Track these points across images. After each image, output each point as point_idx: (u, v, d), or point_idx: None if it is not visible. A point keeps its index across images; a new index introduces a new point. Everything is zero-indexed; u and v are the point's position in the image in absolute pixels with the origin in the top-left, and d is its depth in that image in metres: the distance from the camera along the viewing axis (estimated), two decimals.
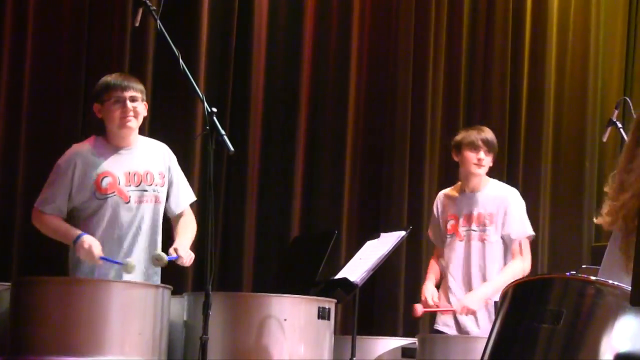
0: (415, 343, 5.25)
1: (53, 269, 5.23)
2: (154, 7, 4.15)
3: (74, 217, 4.51)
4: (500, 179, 5.76)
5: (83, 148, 4.55)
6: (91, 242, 4.35)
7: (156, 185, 4.57)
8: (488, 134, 5.49)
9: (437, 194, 5.75)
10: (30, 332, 3.97)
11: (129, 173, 4.52)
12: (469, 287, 5.37)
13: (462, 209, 5.47)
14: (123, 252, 4.47)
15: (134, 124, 4.53)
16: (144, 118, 4.61)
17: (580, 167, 7.42)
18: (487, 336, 2.92)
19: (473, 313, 5.27)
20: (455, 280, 5.42)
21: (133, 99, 4.51)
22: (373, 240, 4.93)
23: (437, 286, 5.52)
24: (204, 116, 4.15)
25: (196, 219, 4.72)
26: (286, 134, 6.40)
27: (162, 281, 4.50)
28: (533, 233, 5.51)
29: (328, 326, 4.29)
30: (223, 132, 3.96)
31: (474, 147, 5.42)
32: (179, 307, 4.26)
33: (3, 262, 5.48)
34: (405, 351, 5.29)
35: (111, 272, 4.43)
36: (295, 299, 4.24)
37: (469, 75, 7.12)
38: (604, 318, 2.68)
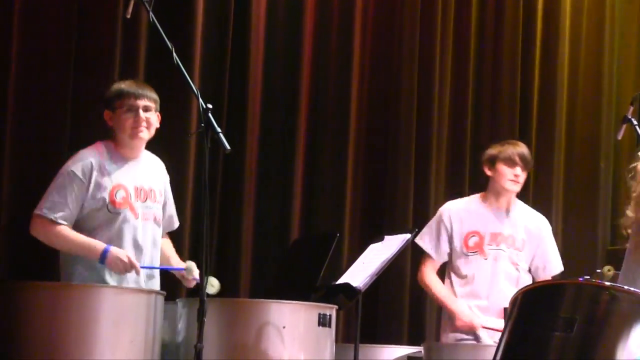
0: (421, 352, 5.25)
1: (42, 273, 5.21)
2: None
3: (74, 227, 4.42)
4: None
5: (95, 155, 4.47)
6: (126, 254, 4.31)
7: (157, 203, 4.58)
8: (524, 149, 5.48)
9: (443, 194, 5.74)
10: (16, 339, 3.95)
11: (137, 188, 4.50)
12: (494, 305, 5.33)
13: (487, 225, 5.43)
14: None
15: (146, 134, 4.50)
16: None
17: (594, 167, 7.41)
18: (496, 345, 2.90)
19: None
20: (481, 298, 5.38)
21: (146, 109, 4.49)
22: (377, 244, 4.92)
23: None
24: (199, 113, 4.14)
25: (191, 220, 4.71)
26: (285, 132, 6.38)
27: None
28: (563, 269, 5.54)
29: (329, 334, 4.28)
30: (219, 129, 3.95)
31: (511, 162, 5.39)
32: (172, 314, 4.25)
33: None
34: None
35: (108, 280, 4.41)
36: (294, 305, 4.23)
37: (478, 72, 7.10)
38: (619, 326, 2.67)
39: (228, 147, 3.95)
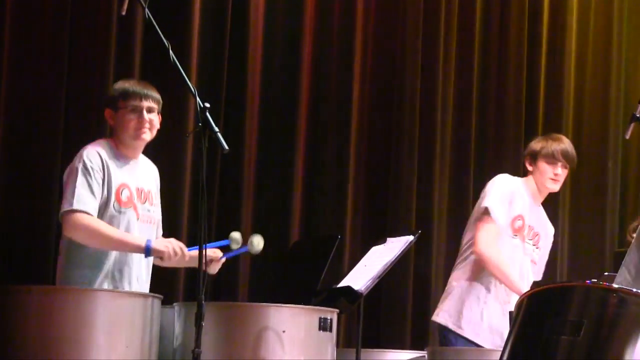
0: (424, 356, 5.25)
1: (37, 276, 5.22)
2: None
3: None
4: None
5: (102, 150, 4.45)
6: (175, 244, 4.32)
7: (154, 206, 4.59)
8: (568, 145, 5.42)
9: (447, 195, 5.72)
10: (11, 344, 3.94)
11: (138, 189, 4.51)
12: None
13: (527, 215, 5.39)
14: (127, 271, 4.44)
15: (148, 136, 4.52)
16: None
17: (602, 167, 7.41)
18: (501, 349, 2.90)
19: None
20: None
21: (150, 110, 4.50)
22: (379, 246, 4.92)
23: None
24: (196, 112, 4.14)
25: (188, 221, 4.72)
26: (285, 131, 6.38)
27: (152, 290, 4.49)
28: None
29: (330, 338, 4.28)
30: (217, 129, 3.95)
31: (552, 159, 5.35)
32: (169, 318, 4.25)
33: None
34: None
35: (105, 284, 4.41)
36: (294, 309, 4.23)
37: (482, 68, 7.11)
38: (628, 329, 2.67)
39: (226, 146, 3.94)
